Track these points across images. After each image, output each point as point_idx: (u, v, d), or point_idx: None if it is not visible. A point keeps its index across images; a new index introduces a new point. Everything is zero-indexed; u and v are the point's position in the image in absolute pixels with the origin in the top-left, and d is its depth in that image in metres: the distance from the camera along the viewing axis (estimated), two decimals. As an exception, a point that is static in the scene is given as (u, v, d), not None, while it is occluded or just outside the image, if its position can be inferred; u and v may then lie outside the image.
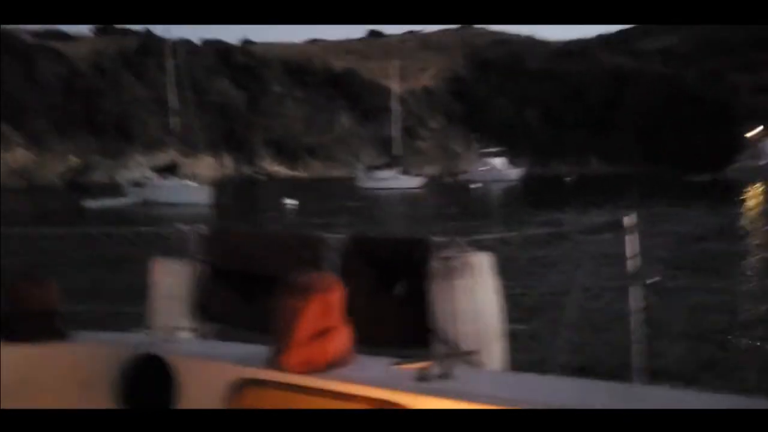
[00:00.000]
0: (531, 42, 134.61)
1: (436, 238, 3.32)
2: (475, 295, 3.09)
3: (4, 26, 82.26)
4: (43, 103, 74.06)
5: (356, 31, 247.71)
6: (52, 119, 73.76)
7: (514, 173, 76.39)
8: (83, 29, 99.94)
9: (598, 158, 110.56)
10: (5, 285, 2.80)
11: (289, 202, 39.74)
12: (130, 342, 2.77)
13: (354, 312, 2.41)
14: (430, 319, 3.16)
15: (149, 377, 2.53)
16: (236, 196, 52.40)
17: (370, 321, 3.08)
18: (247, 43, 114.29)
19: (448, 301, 3.09)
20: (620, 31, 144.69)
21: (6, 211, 28.96)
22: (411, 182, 62.47)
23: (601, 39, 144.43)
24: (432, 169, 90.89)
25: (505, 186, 65.34)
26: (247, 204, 47.37)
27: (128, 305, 4.37)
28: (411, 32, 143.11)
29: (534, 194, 51.73)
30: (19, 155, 70.04)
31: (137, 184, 46.39)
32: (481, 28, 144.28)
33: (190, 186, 43.52)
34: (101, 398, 2.60)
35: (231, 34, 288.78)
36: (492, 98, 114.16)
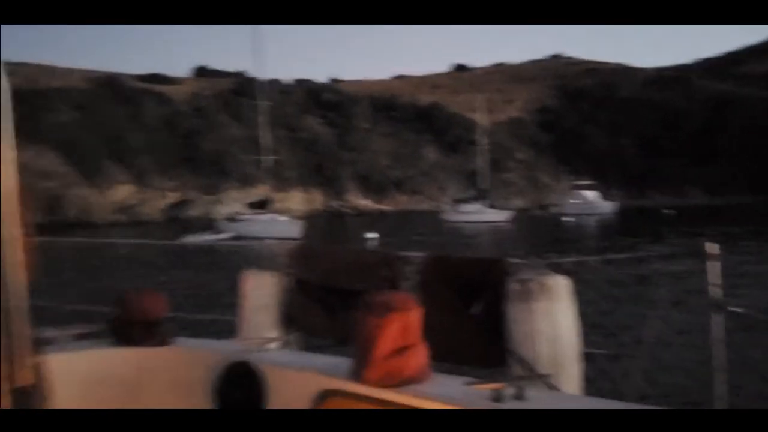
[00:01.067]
0: (622, 70, 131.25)
1: (514, 260, 3.36)
2: (553, 318, 3.10)
3: (112, 72, 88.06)
4: (146, 143, 78.55)
5: (442, 65, 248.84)
6: (154, 157, 78.06)
7: (608, 206, 73.53)
8: (184, 72, 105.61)
9: (699, 189, 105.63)
10: (120, 296, 3.16)
11: (370, 235, 40.04)
12: (225, 349, 3.00)
13: (432, 330, 2.50)
14: (507, 339, 3.19)
15: (241, 383, 2.74)
16: (324, 230, 53.42)
17: (447, 340, 3.16)
18: (335, 81, 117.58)
19: (525, 322, 3.11)
20: (720, 56, 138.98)
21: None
22: (498, 215, 61.22)
23: (699, 64, 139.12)
24: (520, 202, 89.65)
25: (599, 219, 63.00)
26: (334, 237, 48.20)
27: (223, 314, 4.64)
28: (498, 64, 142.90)
29: (630, 227, 49.69)
30: (123, 191, 74.37)
31: (231, 220, 48.03)
32: (570, 58, 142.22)
33: (281, 220, 44.61)
34: (197, 400, 2.82)
35: (320, 72, 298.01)
36: (583, 128, 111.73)
